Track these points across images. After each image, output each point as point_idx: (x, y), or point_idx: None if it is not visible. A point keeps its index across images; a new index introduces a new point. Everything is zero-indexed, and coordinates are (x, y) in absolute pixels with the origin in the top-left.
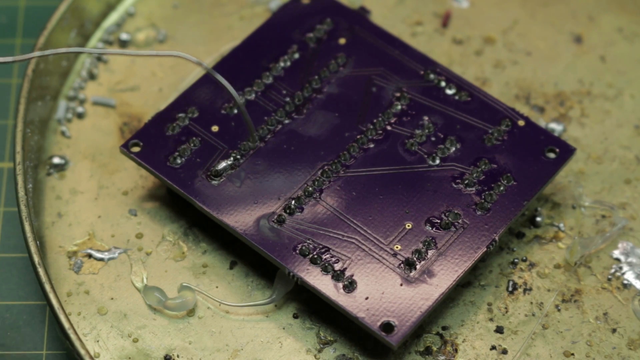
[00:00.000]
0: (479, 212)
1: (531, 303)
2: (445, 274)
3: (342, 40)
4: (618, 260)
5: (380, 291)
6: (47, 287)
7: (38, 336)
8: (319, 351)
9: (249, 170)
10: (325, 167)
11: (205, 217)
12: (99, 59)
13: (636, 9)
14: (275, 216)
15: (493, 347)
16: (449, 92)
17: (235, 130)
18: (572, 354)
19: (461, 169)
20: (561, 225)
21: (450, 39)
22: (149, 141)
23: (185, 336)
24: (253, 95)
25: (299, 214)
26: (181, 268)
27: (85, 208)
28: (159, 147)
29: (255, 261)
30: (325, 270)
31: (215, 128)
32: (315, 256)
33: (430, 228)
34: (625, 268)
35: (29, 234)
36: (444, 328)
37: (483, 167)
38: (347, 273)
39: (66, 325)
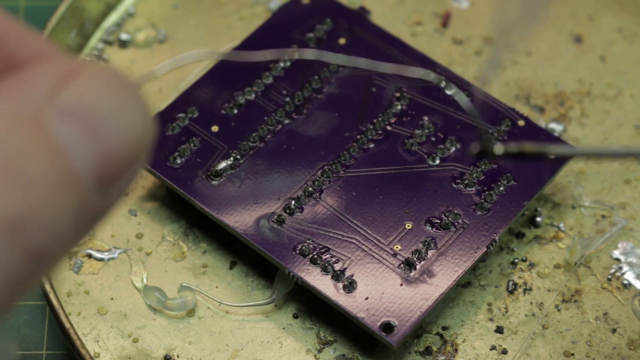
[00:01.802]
0: (479, 212)
1: (531, 303)
2: (445, 274)
3: (342, 40)
4: (618, 260)
5: (380, 291)
6: (47, 287)
7: (38, 336)
8: (319, 351)
9: (249, 170)
10: (325, 167)
11: (205, 217)
12: (98, 58)
13: (636, 9)
14: (275, 216)
15: (493, 347)
16: (449, 92)
17: (235, 130)
18: (572, 354)
19: (461, 169)
20: (561, 225)
21: (450, 39)
22: None
23: (185, 336)
24: (253, 95)
25: (299, 214)
26: (181, 268)
27: None
28: (158, 147)
29: (255, 261)
30: (325, 270)
31: (215, 128)
32: (315, 256)
33: (430, 228)
34: (625, 268)
35: None
36: (444, 328)
37: (483, 167)
38: (347, 273)
39: (66, 325)
